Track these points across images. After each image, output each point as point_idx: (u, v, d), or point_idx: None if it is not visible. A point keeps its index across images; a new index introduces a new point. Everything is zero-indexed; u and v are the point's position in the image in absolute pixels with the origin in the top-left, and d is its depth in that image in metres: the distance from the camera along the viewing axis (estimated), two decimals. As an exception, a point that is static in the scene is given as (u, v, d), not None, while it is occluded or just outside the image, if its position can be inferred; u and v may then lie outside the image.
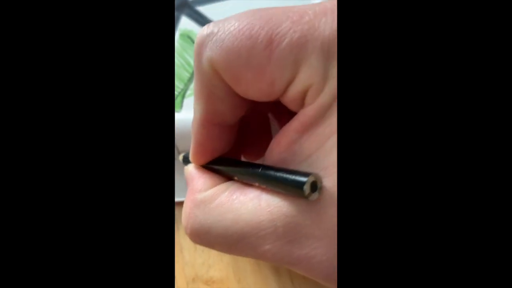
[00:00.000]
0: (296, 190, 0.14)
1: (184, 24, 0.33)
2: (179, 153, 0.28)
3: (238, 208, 0.16)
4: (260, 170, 0.16)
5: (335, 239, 0.14)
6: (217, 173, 0.19)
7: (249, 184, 0.17)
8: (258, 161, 0.21)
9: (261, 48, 0.14)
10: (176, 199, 0.29)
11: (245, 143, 0.23)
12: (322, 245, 0.14)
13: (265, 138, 0.22)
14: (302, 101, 0.15)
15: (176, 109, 0.28)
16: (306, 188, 0.14)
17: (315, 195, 0.14)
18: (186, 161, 0.21)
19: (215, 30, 0.15)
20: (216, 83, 0.16)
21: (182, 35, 0.32)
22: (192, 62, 0.31)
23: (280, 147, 0.16)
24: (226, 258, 0.28)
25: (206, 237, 0.17)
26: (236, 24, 0.15)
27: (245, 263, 0.27)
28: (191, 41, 0.32)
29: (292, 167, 0.16)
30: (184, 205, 0.19)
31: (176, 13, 0.33)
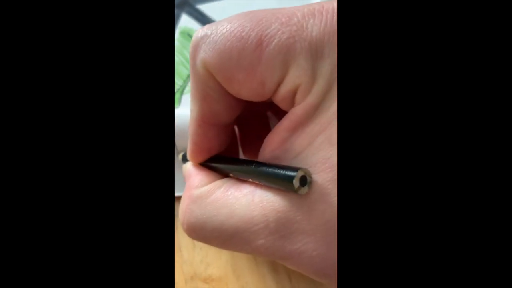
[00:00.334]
0: (286, 184, 0.14)
1: (185, 22, 0.33)
2: (177, 148, 0.28)
3: (233, 203, 0.16)
4: (253, 166, 0.16)
5: (325, 235, 0.14)
6: (214, 171, 0.20)
7: (244, 181, 0.17)
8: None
9: (251, 49, 0.15)
10: (176, 194, 0.28)
11: (245, 141, 0.23)
12: (312, 240, 0.15)
13: (264, 135, 0.22)
14: (292, 101, 0.16)
15: (174, 105, 0.28)
16: (296, 181, 0.14)
17: (304, 189, 0.14)
18: (185, 159, 0.22)
19: (209, 33, 0.16)
20: (210, 84, 0.16)
21: (182, 33, 0.32)
22: (191, 59, 0.31)
23: (272, 145, 0.17)
24: (224, 256, 0.27)
25: (202, 231, 0.17)
26: (228, 26, 0.15)
27: (243, 261, 0.27)
28: (191, 38, 0.32)
29: (284, 164, 0.16)
30: (181, 201, 0.19)
31: (176, 11, 0.33)
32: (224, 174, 0.19)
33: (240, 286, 0.26)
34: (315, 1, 0.16)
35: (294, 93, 0.15)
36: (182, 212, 0.19)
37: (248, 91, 0.16)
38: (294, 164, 0.15)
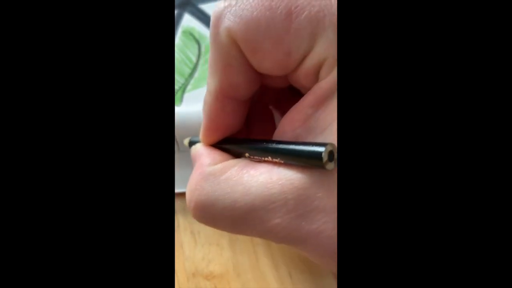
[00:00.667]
0: (313, 160, 0.14)
1: (187, 22, 0.33)
2: (178, 146, 0.28)
3: (249, 181, 0.16)
4: (275, 144, 0.16)
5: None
6: (227, 153, 0.19)
7: (259, 161, 0.17)
8: None
9: (280, 19, 0.15)
10: (176, 190, 0.29)
11: (250, 135, 0.23)
12: (332, 219, 0.14)
13: (269, 128, 0.22)
14: (316, 76, 0.16)
15: (176, 103, 0.28)
16: (324, 156, 0.13)
17: (331, 165, 0.14)
18: (192, 144, 0.21)
19: (233, 2, 0.16)
20: (233, 53, 0.16)
21: (184, 32, 0.32)
22: (193, 58, 0.31)
23: (293, 124, 0.16)
24: (225, 253, 0.28)
25: (211, 210, 0.17)
26: None
27: (245, 258, 0.27)
28: (193, 38, 0.32)
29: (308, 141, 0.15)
30: (190, 180, 0.18)
31: (179, 11, 0.34)
32: (237, 156, 0.18)
33: (241, 283, 0.26)
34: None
35: (319, 67, 0.15)
36: (190, 190, 0.18)
37: (272, 62, 0.16)
38: (319, 140, 0.15)
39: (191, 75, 0.30)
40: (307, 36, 0.15)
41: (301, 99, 0.16)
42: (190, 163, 0.21)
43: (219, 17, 0.16)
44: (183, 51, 0.31)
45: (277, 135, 0.17)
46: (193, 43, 0.32)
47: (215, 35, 0.16)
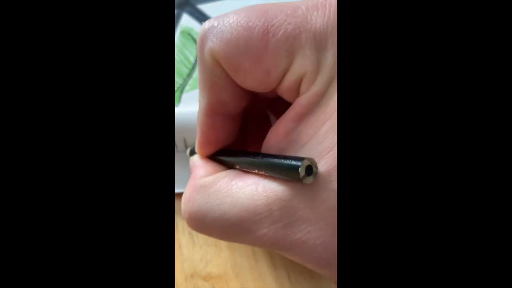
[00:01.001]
0: (292, 173, 0.14)
1: (185, 22, 0.33)
2: (177, 146, 0.28)
3: (236, 192, 0.16)
4: (260, 157, 0.16)
5: (329, 223, 0.14)
6: (221, 164, 0.20)
7: (249, 172, 0.17)
8: None
9: (257, 38, 0.15)
10: (176, 190, 0.29)
11: (247, 140, 0.23)
12: (316, 228, 0.15)
13: (265, 133, 0.23)
14: (297, 91, 0.16)
15: (174, 103, 0.28)
16: (301, 171, 0.14)
17: (310, 179, 0.14)
18: (192, 153, 0.22)
19: (215, 24, 0.16)
20: (217, 73, 0.17)
21: (183, 32, 0.32)
22: (191, 58, 0.31)
23: (277, 137, 0.17)
24: (224, 254, 0.27)
25: (203, 221, 0.17)
26: (235, 17, 0.16)
27: (243, 259, 0.27)
28: (192, 38, 0.32)
29: (290, 154, 0.16)
30: (185, 191, 0.19)
31: (177, 11, 0.34)
32: (229, 167, 0.19)
33: (239, 284, 0.26)
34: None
35: (299, 83, 0.16)
36: (185, 201, 0.19)
37: (253, 80, 0.16)
38: (301, 154, 0.15)
39: (189, 75, 0.30)
40: (284, 53, 0.15)
41: (284, 114, 0.16)
42: (186, 163, 0.21)
43: (203, 38, 0.17)
44: (182, 52, 0.31)
45: (264, 146, 0.18)
46: (191, 43, 0.32)
47: (201, 56, 0.17)
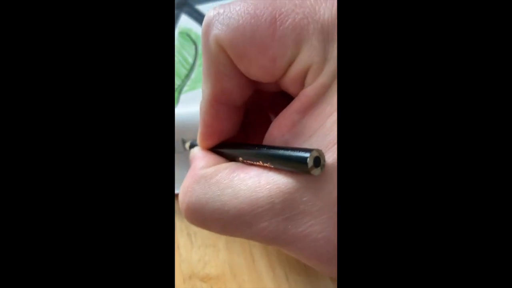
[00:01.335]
0: (300, 164, 0.14)
1: (184, 23, 0.33)
2: (176, 146, 0.28)
3: (238, 184, 0.16)
4: (265, 149, 0.16)
5: (331, 217, 0.14)
6: (222, 156, 0.19)
7: (251, 164, 0.17)
8: None
9: (265, 26, 0.15)
10: (176, 192, 0.29)
11: (249, 136, 0.23)
12: (318, 222, 0.14)
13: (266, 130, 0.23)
14: (302, 82, 0.16)
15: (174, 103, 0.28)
16: (309, 161, 0.14)
17: (317, 170, 0.14)
18: (192, 147, 0.22)
19: (221, 11, 0.16)
20: (222, 61, 0.17)
21: (181, 33, 0.32)
22: (190, 59, 0.31)
23: (281, 130, 0.16)
24: (222, 254, 0.27)
25: (201, 212, 0.17)
26: (242, 4, 0.16)
27: (241, 259, 0.27)
28: (190, 39, 0.32)
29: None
30: (184, 182, 0.19)
31: (176, 12, 0.34)
32: (231, 160, 0.19)
33: (237, 285, 0.26)
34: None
35: (305, 73, 0.15)
36: (183, 192, 0.18)
37: (258, 69, 0.16)
38: (306, 146, 0.15)
39: (187, 76, 0.30)
40: (291, 43, 0.15)
41: (289, 105, 0.16)
42: (186, 164, 0.21)
43: (209, 25, 0.16)
44: (180, 53, 0.31)
45: (266, 140, 0.17)
46: (190, 44, 0.32)
47: (205, 43, 0.17)
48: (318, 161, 0.14)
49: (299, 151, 0.14)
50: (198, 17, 0.33)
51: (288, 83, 0.16)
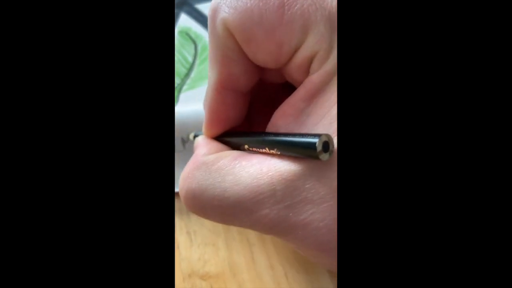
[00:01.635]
0: (308, 150, 0.14)
1: (183, 22, 0.33)
2: (175, 145, 0.28)
3: (239, 171, 0.16)
4: (272, 136, 0.16)
5: (333, 206, 0.14)
6: (226, 145, 0.19)
7: (255, 152, 0.17)
8: None
9: (273, 10, 0.15)
10: (176, 190, 0.29)
11: (253, 127, 0.23)
12: (320, 210, 0.14)
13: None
14: (307, 69, 0.16)
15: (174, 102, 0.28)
16: (318, 146, 0.14)
17: (326, 156, 0.14)
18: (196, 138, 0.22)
19: None
20: (229, 45, 0.17)
21: (180, 32, 0.32)
22: (189, 58, 0.31)
23: (286, 119, 0.16)
24: (221, 253, 0.27)
25: (201, 198, 0.17)
26: None
27: (241, 258, 0.27)
28: (189, 38, 0.32)
29: None
30: (184, 169, 0.18)
31: (176, 11, 0.34)
32: (235, 148, 0.19)
33: (237, 283, 0.26)
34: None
35: (310, 60, 0.15)
36: (183, 178, 0.18)
37: (265, 53, 0.16)
38: None
39: (187, 75, 0.30)
40: (298, 28, 0.15)
41: (293, 93, 0.16)
42: (185, 162, 0.21)
43: (216, 9, 0.16)
44: (180, 52, 0.31)
45: (269, 129, 0.17)
46: (189, 43, 0.32)
47: (213, 27, 0.17)
48: (327, 146, 0.14)
49: (308, 136, 0.14)
50: (198, 16, 0.33)
51: (294, 70, 0.16)
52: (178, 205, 0.30)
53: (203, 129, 0.20)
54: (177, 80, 0.30)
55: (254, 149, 0.17)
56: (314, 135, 0.14)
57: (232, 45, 0.16)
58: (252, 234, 0.28)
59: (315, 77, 0.15)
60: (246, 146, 0.18)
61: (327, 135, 0.14)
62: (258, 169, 0.15)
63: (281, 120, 0.16)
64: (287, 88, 0.19)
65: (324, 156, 0.14)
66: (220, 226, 0.29)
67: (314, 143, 0.14)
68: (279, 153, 0.15)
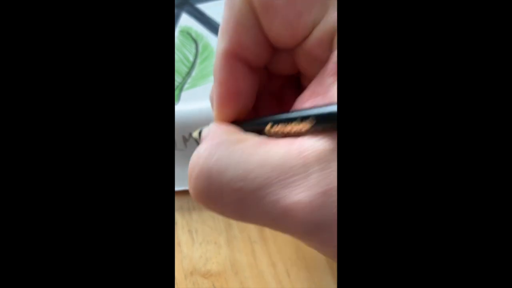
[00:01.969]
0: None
1: (184, 21, 0.33)
2: (176, 144, 0.28)
3: (267, 151, 0.15)
4: (300, 111, 0.15)
5: None
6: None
7: (282, 134, 0.16)
8: None
9: None
10: (176, 189, 0.29)
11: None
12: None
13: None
14: (330, 44, 0.15)
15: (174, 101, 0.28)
16: None
17: None
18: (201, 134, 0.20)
19: None
20: (245, 11, 0.16)
21: (182, 32, 0.32)
22: (190, 57, 0.31)
23: (315, 98, 0.16)
24: (223, 251, 0.28)
25: (218, 178, 0.15)
26: None
27: (242, 256, 0.27)
28: (190, 37, 0.32)
29: None
30: (197, 150, 0.16)
31: (176, 11, 0.34)
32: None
33: (238, 281, 0.26)
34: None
35: (332, 34, 0.15)
36: (197, 156, 0.16)
37: (282, 22, 0.16)
38: None
39: (188, 74, 0.30)
40: (319, 1, 0.15)
41: (319, 73, 0.16)
42: (186, 161, 0.21)
43: None
44: (181, 51, 0.31)
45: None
46: (190, 42, 0.32)
47: None
48: None
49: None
50: (199, 15, 0.34)
51: (314, 46, 0.16)
52: (180, 203, 0.30)
53: (214, 113, 0.18)
54: (178, 79, 0.30)
55: (277, 129, 0.16)
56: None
57: (248, 12, 0.16)
58: (253, 232, 0.28)
59: None
60: (268, 127, 0.16)
61: None
62: (287, 149, 0.14)
63: (309, 101, 0.16)
64: (293, 83, 0.18)
65: None
66: (221, 224, 0.29)
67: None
68: (309, 126, 0.14)
